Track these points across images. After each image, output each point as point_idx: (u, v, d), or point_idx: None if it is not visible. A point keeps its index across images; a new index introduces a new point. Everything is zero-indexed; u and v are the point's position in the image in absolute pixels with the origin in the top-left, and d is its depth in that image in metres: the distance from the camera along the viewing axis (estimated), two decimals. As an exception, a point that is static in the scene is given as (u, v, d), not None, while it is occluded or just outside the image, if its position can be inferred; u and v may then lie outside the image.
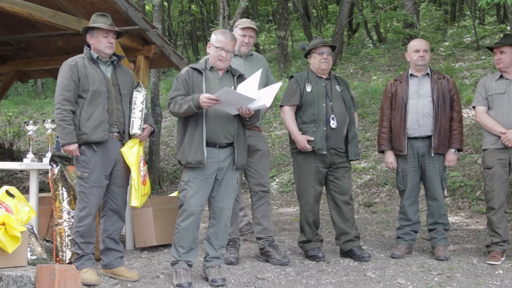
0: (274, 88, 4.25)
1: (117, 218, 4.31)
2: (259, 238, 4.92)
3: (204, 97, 3.99)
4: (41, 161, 5.10)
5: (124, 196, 4.34)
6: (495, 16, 16.08)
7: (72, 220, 4.65)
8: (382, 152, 5.22)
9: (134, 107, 4.30)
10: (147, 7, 15.38)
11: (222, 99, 4.00)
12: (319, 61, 4.92)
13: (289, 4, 16.08)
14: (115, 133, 4.21)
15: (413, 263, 4.80)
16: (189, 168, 4.18)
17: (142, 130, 4.29)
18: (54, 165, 4.79)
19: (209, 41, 4.36)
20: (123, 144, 4.25)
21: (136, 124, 4.27)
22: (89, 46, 4.26)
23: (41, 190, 5.32)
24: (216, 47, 4.22)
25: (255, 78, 4.17)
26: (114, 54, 4.31)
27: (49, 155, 4.97)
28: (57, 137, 6.02)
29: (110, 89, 4.18)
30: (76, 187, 4.27)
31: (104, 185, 4.18)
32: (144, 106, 4.34)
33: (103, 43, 4.20)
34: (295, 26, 20.55)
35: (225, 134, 4.18)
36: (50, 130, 5.33)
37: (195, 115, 4.13)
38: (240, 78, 4.35)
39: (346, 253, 4.97)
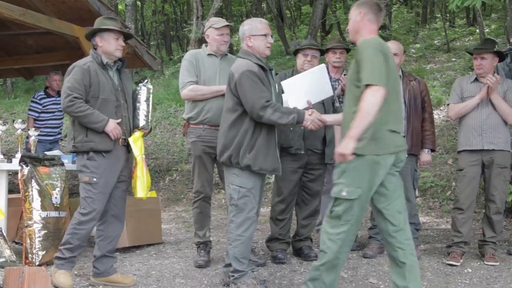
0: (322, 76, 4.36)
1: (118, 223, 4.22)
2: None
3: (309, 115, 3.87)
4: (11, 162, 5.01)
5: (125, 200, 4.27)
6: (465, 19, 16.35)
7: (43, 222, 4.62)
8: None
9: (140, 102, 4.26)
10: (119, 7, 15.27)
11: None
12: (303, 62, 4.96)
13: (262, 5, 16.10)
14: (121, 139, 4.11)
15: (384, 262, 4.84)
16: (256, 175, 3.94)
17: (148, 124, 4.28)
18: (24, 166, 4.72)
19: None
20: (127, 150, 4.18)
21: (142, 117, 4.24)
22: (94, 49, 4.13)
23: (10, 191, 5.21)
24: (264, 35, 4.02)
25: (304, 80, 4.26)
26: (119, 59, 4.21)
27: (18, 155, 4.89)
28: (27, 138, 5.91)
29: (118, 97, 4.10)
30: (80, 192, 4.07)
31: (110, 191, 4.09)
32: (151, 102, 4.33)
33: (114, 46, 4.09)
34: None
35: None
36: (19, 130, 5.24)
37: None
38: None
39: (296, 251, 5.07)
